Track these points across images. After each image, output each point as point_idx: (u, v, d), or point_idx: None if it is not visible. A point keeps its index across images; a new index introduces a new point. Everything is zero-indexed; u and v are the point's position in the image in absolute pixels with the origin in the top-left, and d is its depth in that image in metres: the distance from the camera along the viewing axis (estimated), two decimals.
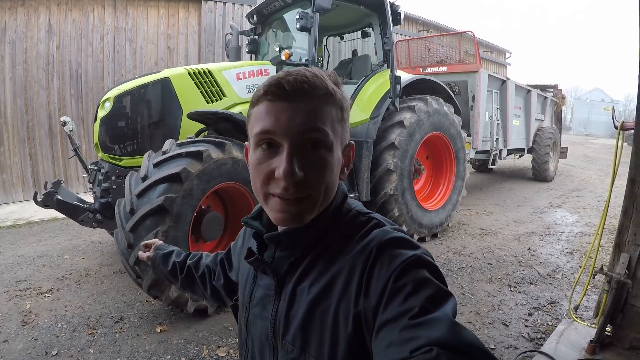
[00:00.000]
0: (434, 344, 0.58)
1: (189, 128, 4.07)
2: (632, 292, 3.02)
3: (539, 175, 11.27)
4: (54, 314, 3.59)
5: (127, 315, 3.58)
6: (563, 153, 12.69)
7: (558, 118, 12.99)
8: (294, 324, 0.81)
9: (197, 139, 3.64)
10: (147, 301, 3.82)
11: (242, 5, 9.73)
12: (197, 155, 3.32)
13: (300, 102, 0.77)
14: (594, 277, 3.38)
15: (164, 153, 3.33)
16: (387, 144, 5.08)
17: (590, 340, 3.10)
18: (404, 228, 5.17)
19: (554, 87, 12.90)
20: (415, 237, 5.49)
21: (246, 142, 0.91)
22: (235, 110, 4.29)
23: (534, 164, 11.23)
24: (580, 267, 4.86)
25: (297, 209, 0.79)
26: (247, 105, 4.39)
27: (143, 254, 1.51)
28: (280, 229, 0.89)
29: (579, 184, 11.58)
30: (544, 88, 12.41)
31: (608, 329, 3.13)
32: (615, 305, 3.06)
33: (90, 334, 3.30)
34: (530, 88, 10.50)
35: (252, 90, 4.47)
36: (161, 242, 1.52)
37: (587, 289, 3.56)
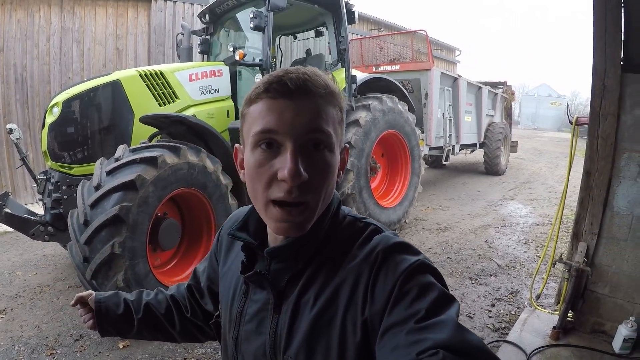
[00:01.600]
0: (440, 346, 0.59)
1: (141, 132, 3.94)
2: (592, 278, 3.15)
3: (491, 169, 11.66)
4: (10, 335, 3.38)
5: (87, 333, 3.40)
6: (513, 147, 13.17)
7: (508, 113, 13.50)
8: (297, 338, 0.79)
9: (150, 143, 3.53)
10: None
11: (193, 4, 9.51)
12: (151, 161, 3.21)
13: (304, 100, 0.73)
14: (554, 267, 3.50)
15: (117, 160, 3.21)
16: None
17: (554, 327, 3.22)
18: None
19: (504, 83, 13.38)
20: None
21: (237, 145, 0.87)
22: (189, 112, 4.22)
23: (486, 158, 11.63)
24: (538, 256, 5.04)
25: (300, 218, 0.75)
26: (200, 108, 4.43)
27: (85, 317, 1.15)
28: (273, 238, 0.86)
29: (530, 177, 12.07)
30: (494, 85, 12.84)
31: (569, 315, 3.25)
32: (575, 292, 3.19)
33: (50, 354, 3.12)
34: (481, 85, 10.87)
35: (205, 92, 4.40)
36: (92, 292, 1.18)
37: (547, 278, 3.68)
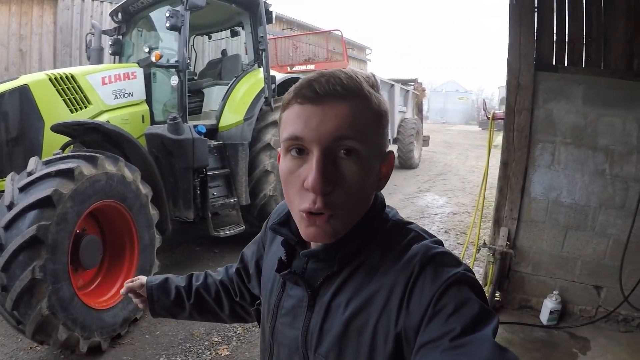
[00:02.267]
0: None
1: (53, 142, 3.51)
2: (515, 260, 3.43)
3: (405, 163, 12.23)
4: None
5: None
6: (425, 141, 14.01)
7: (419, 109, 14.32)
8: (328, 338, 0.77)
9: (65, 154, 3.16)
10: (31, 348, 3.20)
11: (103, 2, 8.75)
12: (68, 174, 2.86)
13: (332, 105, 0.69)
14: (478, 252, 3.75)
15: (30, 174, 2.81)
16: (262, 145, 5.01)
17: None
18: None
19: (414, 80, 14.14)
20: None
21: (278, 149, 0.89)
22: (102, 118, 3.83)
23: (399, 153, 12.13)
24: (459, 244, 5.39)
25: (326, 226, 0.72)
26: (114, 113, 4.09)
27: (137, 301, 1.20)
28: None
29: (442, 168, 12.93)
30: (405, 82, 13.46)
31: (497, 294, 3.51)
32: (501, 274, 3.45)
33: None
34: (393, 82, 11.33)
35: (118, 96, 4.05)
36: (144, 279, 1.21)
37: (473, 265, 3.94)
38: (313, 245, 0.84)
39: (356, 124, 0.69)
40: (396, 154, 12.27)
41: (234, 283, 1.19)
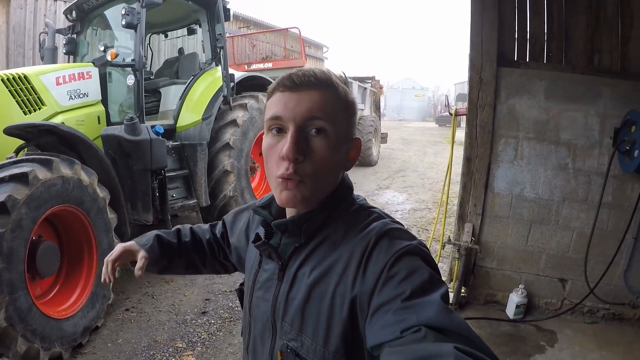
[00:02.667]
0: (423, 324, 0.63)
1: (6, 146, 3.37)
2: (480, 255, 3.44)
3: (364, 160, 12.21)
4: None
5: None
6: (383, 138, 14.04)
7: (377, 106, 14.33)
8: (293, 306, 0.85)
9: (18, 158, 3.04)
10: None
11: (56, 0, 8.50)
12: (22, 178, 2.74)
13: (307, 92, 0.82)
14: (443, 248, 3.76)
15: None
16: (221, 145, 4.94)
17: (450, 303, 3.44)
18: None
19: (372, 78, 14.14)
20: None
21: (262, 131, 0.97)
22: (56, 120, 3.70)
23: None
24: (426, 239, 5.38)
25: (295, 190, 0.82)
26: (69, 114, 3.94)
27: (138, 268, 1.14)
28: (288, 217, 0.93)
29: (401, 165, 12.98)
30: (362, 80, 13.47)
31: (463, 290, 3.52)
32: (466, 269, 3.46)
33: None
34: (351, 80, 11.32)
35: (73, 97, 3.91)
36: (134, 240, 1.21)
37: (438, 262, 3.94)
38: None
39: (326, 108, 0.82)
40: None
41: (219, 244, 1.27)
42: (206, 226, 1.32)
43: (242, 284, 1.10)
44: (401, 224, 0.88)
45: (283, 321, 0.87)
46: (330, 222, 0.89)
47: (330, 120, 0.83)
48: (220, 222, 1.30)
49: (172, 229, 1.30)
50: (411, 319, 0.64)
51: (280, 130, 0.84)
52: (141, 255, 1.15)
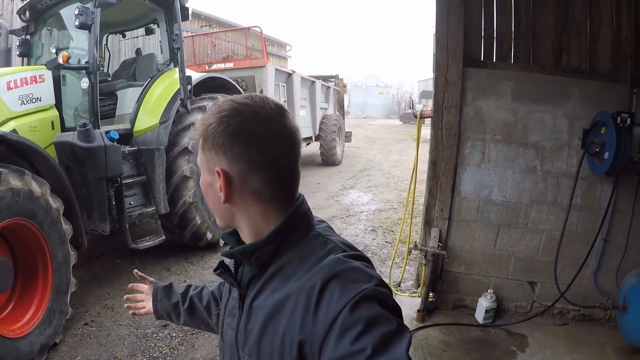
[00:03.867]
0: None
1: None
2: (447, 260, 3.39)
3: (328, 160, 12.19)
4: None
5: None
6: (348, 137, 13.98)
7: (340, 105, 14.29)
8: (251, 338, 0.83)
9: None
10: None
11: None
12: None
13: None
14: (410, 254, 3.70)
15: None
16: (180, 149, 4.78)
17: (418, 310, 3.42)
18: (209, 235, 5.05)
19: (335, 76, 14.07)
20: (222, 241, 5.34)
21: None
22: (8, 127, 3.55)
23: (322, 150, 12.12)
24: (387, 242, 5.40)
25: None
26: (21, 120, 3.75)
27: (141, 296, 1.37)
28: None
29: (366, 164, 12.90)
30: (326, 78, 13.42)
31: (431, 295, 3.47)
32: (434, 275, 3.42)
33: None
34: (314, 79, 11.31)
35: (25, 102, 3.74)
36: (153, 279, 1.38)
37: (405, 265, 3.89)
38: None
39: (199, 153, 0.88)
40: (319, 151, 12.18)
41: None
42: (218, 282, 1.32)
43: (219, 309, 1.12)
44: (359, 257, 0.82)
45: (243, 351, 0.86)
46: (283, 252, 0.84)
47: (199, 161, 0.88)
48: None
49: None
50: None
51: None
52: (150, 287, 1.35)
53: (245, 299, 0.89)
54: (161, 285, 1.34)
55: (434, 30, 3.30)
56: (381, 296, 0.71)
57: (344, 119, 13.76)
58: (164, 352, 3.16)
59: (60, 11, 4.55)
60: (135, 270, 1.36)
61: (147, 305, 1.33)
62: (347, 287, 0.71)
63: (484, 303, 3.37)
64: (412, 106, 4.29)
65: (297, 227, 0.86)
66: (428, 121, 3.54)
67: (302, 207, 0.89)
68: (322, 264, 0.77)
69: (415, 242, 3.51)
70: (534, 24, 3.25)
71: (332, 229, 0.94)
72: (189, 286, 1.33)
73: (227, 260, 0.96)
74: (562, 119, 3.28)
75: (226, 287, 1.04)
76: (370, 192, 8.76)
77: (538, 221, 3.40)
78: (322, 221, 0.95)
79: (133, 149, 4.48)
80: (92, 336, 3.34)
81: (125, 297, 1.37)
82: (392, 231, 6.02)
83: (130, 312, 1.36)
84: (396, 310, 0.72)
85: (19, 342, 2.87)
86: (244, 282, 0.90)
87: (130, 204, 4.24)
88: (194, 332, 3.41)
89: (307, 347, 0.71)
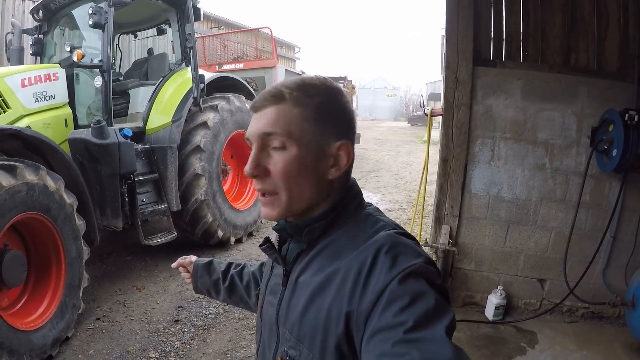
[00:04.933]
0: None
1: None
2: (457, 257, 3.41)
3: None
4: None
5: None
6: (356, 138, 13.84)
7: None
8: (294, 314, 0.84)
9: None
10: None
11: (24, 0, 8.29)
12: None
13: (264, 110, 0.85)
14: None
15: None
16: (192, 148, 4.83)
17: None
18: (220, 232, 5.08)
19: (344, 78, 14.08)
20: (233, 239, 5.40)
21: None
22: (22, 123, 3.59)
23: None
24: None
25: (272, 206, 0.85)
26: (35, 117, 3.79)
27: (185, 275, 1.40)
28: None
29: (374, 165, 12.86)
30: (335, 79, 13.34)
31: None
32: (443, 272, 3.42)
33: None
34: None
35: (39, 99, 3.79)
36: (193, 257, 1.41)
37: None
38: None
39: (279, 122, 0.82)
40: None
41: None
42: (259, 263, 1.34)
43: (259, 289, 1.11)
44: (410, 236, 0.83)
45: (284, 328, 0.86)
46: (333, 229, 0.87)
47: (286, 134, 0.81)
48: None
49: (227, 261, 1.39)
50: (413, 355, 0.60)
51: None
52: (191, 267, 1.38)
53: (289, 275, 0.90)
54: (202, 263, 1.36)
55: (442, 32, 3.35)
56: (429, 274, 0.72)
57: None
58: (176, 346, 3.18)
59: (73, 11, 4.59)
60: (173, 265, 1.41)
61: (189, 280, 1.39)
62: (397, 260, 0.73)
63: (493, 300, 3.39)
64: (423, 104, 4.32)
65: (349, 206, 0.89)
66: (436, 123, 3.57)
67: (355, 187, 0.93)
68: (373, 238, 0.79)
69: (426, 239, 3.53)
70: (542, 24, 3.29)
71: (381, 211, 0.94)
72: (230, 264, 1.35)
73: (273, 237, 0.99)
74: (571, 117, 3.31)
75: (267, 265, 1.05)
76: (379, 193, 8.76)
77: (547, 218, 3.42)
78: (370, 204, 0.95)
79: (146, 146, 4.53)
80: (104, 331, 3.35)
81: (176, 263, 1.40)
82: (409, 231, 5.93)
83: (183, 274, 1.41)
84: (443, 290, 0.72)
85: (32, 335, 2.90)
86: (290, 259, 0.91)
87: (142, 200, 4.27)
88: (206, 327, 3.43)
89: (353, 319, 0.72)
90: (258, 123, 0.84)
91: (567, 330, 3.39)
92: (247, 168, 0.83)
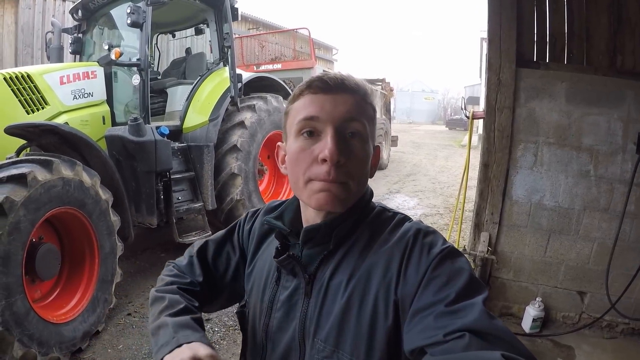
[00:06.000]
0: (467, 329, 0.63)
1: (7, 145, 3.31)
2: (496, 266, 3.29)
3: None
4: None
5: None
6: (394, 141, 13.86)
7: (387, 109, 14.08)
8: (329, 320, 0.81)
9: (17, 158, 2.97)
10: None
11: (65, 0, 8.52)
12: (20, 179, 2.66)
13: (342, 94, 0.83)
14: None
15: None
16: (229, 147, 4.82)
17: None
18: None
19: (382, 80, 13.93)
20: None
21: (278, 143, 0.95)
22: (60, 120, 3.65)
23: None
24: None
25: (338, 192, 0.80)
26: (73, 114, 3.80)
27: None
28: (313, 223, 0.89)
29: (412, 169, 12.74)
30: (373, 82, 13.30)
31: None
32: (482, 280, 3.29)
33: None
34: None
35: (77, 96, 3.87)
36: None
37: None
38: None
39: (360, 111, 0.83)
40: None
41: (207, 285, 1.08)
42: (184, 280, 1.08)
43: (242, 306, 1.04)
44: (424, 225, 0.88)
45: (315, 339, 0.82)
46: (356, 227, 0.88)
47: (365, 124, 0.84)
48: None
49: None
50: (454, 323, 0.64)
51: (312, 134, 0.82)
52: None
53: (314, 282, 0.86)
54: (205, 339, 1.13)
55: (482, 35, 3.26)
56: (460, 255, 0.78)
57: (390, 123, 13.60)
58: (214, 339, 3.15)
59: (111, 10, 4.67)
60: None
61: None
62: (432, 245, 0.78)
63: (531, 312, 3.25)
64: (464, 107, 4.23)
65: (369, 202, 0.93)
66: (475, 127, 3.47)
67: (368, 186, 0.95)
68: (403, 228, 0.84)
69: (464, 246, 3.43)
70: (587, 24, 3.16)
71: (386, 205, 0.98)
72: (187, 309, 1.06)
73: (275, 245, 0.94)
74: (617, 122, 3.15)
75: (264, 278, 0.96)
76: (416, 197, 8.65)
77: (590, 228, 3.27)
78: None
79: (182, 145, 4.55)
80: (134, 326, 3.35)
81: None
82: (447, 238, 5.82)
83: None
84: (472, 270, 0.76)
85: (63, 328, 2.91)
86: (311, 265, 0.87)
87: (178, 198, 4.29)
88: (236, 327, 3.39)
89: (400, 305, 0.75)
90: (338, 106, 0.81)
91: (605, 347, 3.22)
92: (332, 153, 0.77)
